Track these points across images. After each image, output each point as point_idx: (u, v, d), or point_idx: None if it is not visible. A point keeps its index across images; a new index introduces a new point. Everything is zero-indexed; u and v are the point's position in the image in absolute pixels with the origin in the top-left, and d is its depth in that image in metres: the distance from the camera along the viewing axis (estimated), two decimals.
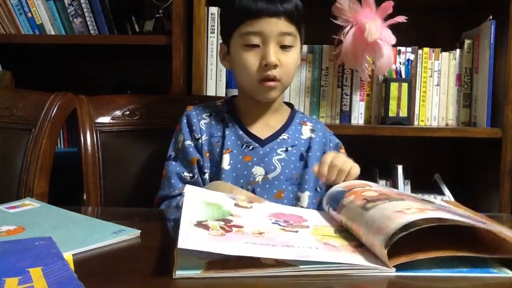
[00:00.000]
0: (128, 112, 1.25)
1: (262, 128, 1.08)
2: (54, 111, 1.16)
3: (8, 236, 0.67)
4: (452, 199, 1.54)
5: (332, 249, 0.63)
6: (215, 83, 1.47)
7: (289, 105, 1.16)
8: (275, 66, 0.99)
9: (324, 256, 0.59)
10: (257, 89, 1.02)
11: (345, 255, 0.60)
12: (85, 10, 1.49)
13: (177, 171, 1.04)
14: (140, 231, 0.70)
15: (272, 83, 1.01)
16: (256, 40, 0.99)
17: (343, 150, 1.13)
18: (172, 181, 1.04)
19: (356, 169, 0.93)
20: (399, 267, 0.57)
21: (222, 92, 1.47)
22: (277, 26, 0.98)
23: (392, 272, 0.56)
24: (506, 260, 0.60)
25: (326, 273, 0.56)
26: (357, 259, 0.59)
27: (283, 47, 1.00)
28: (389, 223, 0.59)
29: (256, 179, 1.03)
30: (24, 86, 1.35)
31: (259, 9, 0.97)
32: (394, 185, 1.55)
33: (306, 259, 0.57)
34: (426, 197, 1.53)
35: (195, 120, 1.07)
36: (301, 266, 0.56)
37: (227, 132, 1.06)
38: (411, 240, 0.58)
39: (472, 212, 0.71)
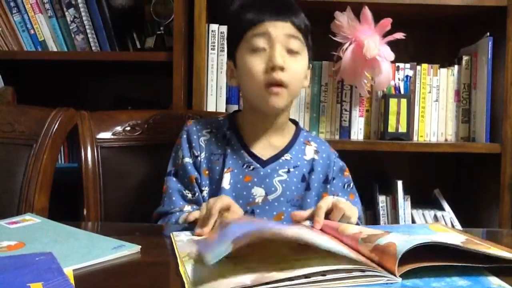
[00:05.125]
0: (129, 128, 1.26)
1: (264, 148, 1.05)
2: (55, 126, 1.17)
3: (9, 252, 0.68)
4: (452, 215, 1.53)
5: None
6: (215, 99, 1.48)
7: (294, 122, 1.13)
8: (281, 69, 0.96)
9: (332, 263, 0.60)
10: (263, 96, 0.98)
11: (349, 262, 0.61)
12: (87, 27, 1.51)
13: (178, 188, 1.03)
14: (140, 246, 0.70)
15: (278, 89, 0.97)
16: (262, 42, 0.97)
17: (347, 173, 1.11)
18: (173, 198, 1.02)
19: (355, 217, 0.89)
20: (403, 277, 0.58)
21: (222, 108, 1.48)
22: (284, 28, 0.97)
23: (398, 283, 0.57)
24: (500, 268, 0.61)
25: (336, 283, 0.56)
26: (363, 266, 0.60)
27: (290, 52, 0.98)
28: (409, 240, 0.61)
29: (256, 200, 1.01)
30: (26, 102, 1.36)
31: (264, 14, 0.98)
32: (394, 200, 1.55)
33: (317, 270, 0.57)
34: (426, 212, 1.55)
35: (195, 136, 1.05)
36: (313, 278, 0.56)
37: (228, 151, 1.03)
38: (411, 252, 0.59)
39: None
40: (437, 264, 0.60)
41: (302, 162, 1.06)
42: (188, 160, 1.04)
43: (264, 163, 1.03)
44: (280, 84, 0.97)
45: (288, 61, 0.97)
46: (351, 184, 1.11)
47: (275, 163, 1.04)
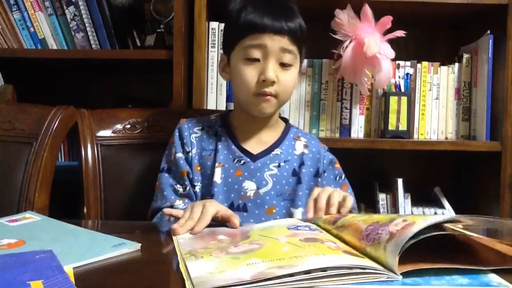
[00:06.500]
0: (129, 126, 1.26)
1: (255, 143, 1.08)
2: (56, 124, 1.17)
3: (9, 249, 0.68)
4: (453, 213, 1.54)
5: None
6: (215, 97, 1.48)
7: (284, 120, 1.16)
8: (272, 83, 0.99)
9: (333, 259, 0.60)
10: (252, 102, 1.02)
11: (350, 259, 0.61)
12: (87, 25, 1.50)
13: (170, 183, 1.06)
14: (140, 244, 0.70)
15: (268, 97, 1.01)
16: (257, 54, 0.99)
17: (338, 165, 1.13)
18: (165, 193, 1.05)
19: (349, 201, 0.86)
20: (403, 275, 0.58)
21: (222, 106, 1.48)
22: (280, 42, 0.99)
23: (398, 281, 0.57)
24: (500, 269, 0.61)
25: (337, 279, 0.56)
26: (363, 263, 0.60)
27: (283, 65, 1.01)
28: (401, 232, 0.60)
29: (248, 194, 1.04)
30: (26, 100, 1.35)
31: (264, 24, 0.98)
32: (394, 198, 1.55)
33: (317, 266, 0.57)
34: (426, 210, 1.55)
35: (186, 133, 1.08)
36: (314, 274, 0.56)
37: (219, 146, 1.07)
38: (413, 253, 0.59)
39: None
40: (438, 266, 0.59)
41: (292, 157, 1.09)
42: (180, 155, 1.07)
43: (254, 158, 1.06)
44: (269, 95, 1.01)
45: (280, 74, 1.00)
46: (343, 176, 1.13)
47: (265, 158, 1.07)
